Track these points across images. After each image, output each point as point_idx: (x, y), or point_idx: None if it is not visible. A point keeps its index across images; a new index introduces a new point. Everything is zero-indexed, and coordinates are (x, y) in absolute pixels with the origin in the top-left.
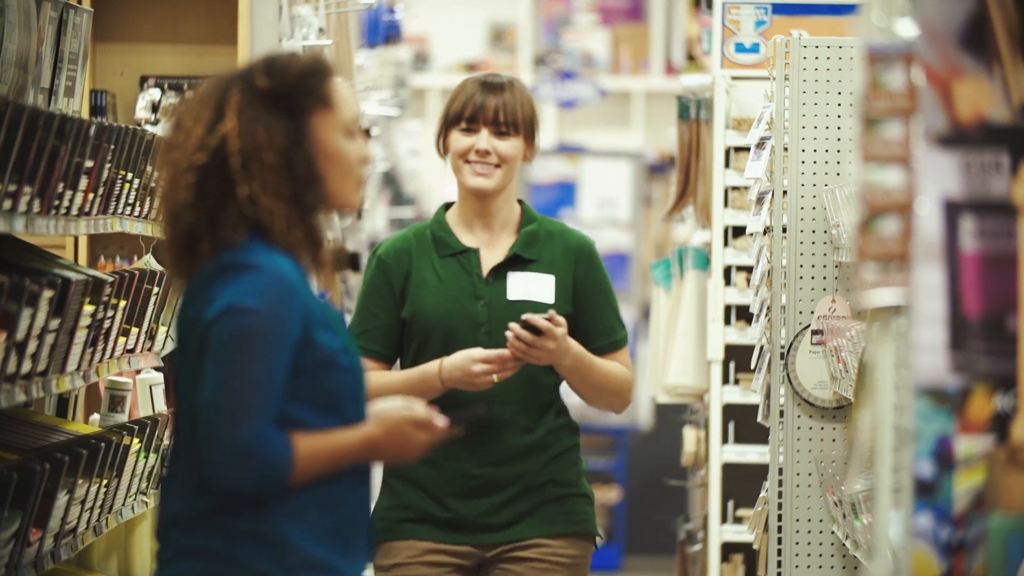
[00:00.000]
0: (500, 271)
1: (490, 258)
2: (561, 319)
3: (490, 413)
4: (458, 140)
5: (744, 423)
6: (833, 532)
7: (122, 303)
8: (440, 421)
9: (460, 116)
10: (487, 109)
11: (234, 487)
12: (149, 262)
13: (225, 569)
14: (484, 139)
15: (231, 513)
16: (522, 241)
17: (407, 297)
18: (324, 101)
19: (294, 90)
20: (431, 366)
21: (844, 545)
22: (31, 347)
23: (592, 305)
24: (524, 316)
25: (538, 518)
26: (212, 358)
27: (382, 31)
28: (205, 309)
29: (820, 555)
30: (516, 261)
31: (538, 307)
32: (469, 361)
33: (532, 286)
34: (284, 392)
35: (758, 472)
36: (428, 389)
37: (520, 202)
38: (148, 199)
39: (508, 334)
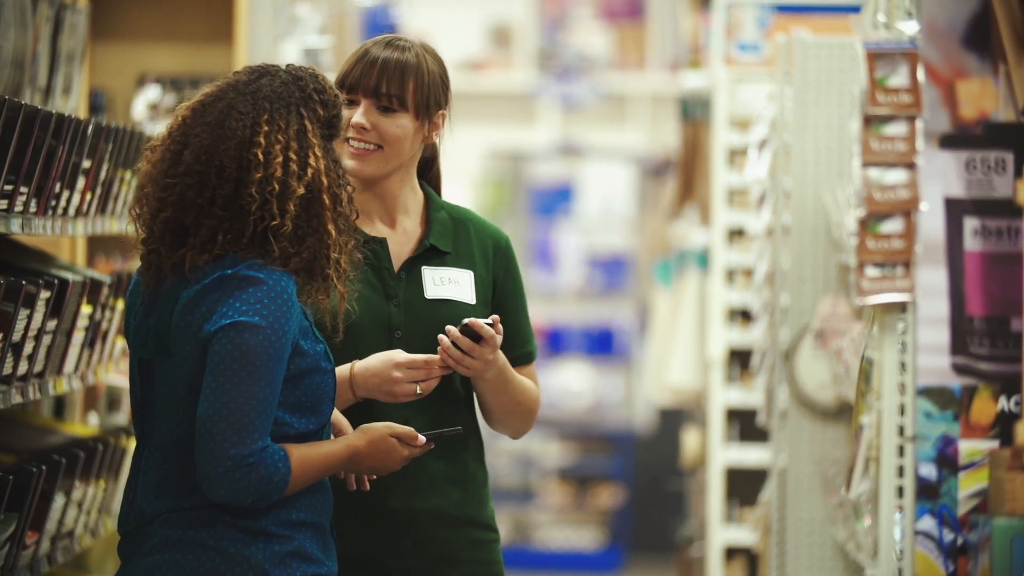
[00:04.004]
0: (413, 265)
1: (400, 250)
2: (501, 327)
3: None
4: (345, 113)
5: (745, 424)
6: (835, 535)
7: (120, 304)
8: (421, 438)
9: (343, 83)
10: (369, 77)
11: (234, 499)
12: None
13: (214, 558)
14: (361, 113)
15: (221, 509)
16: (436, 231)
17: None
18: (341, 130)
19: (336, 119)
20: (342, 370)
21: (846, 548)
22: (28, 348)
23: (509, 309)
24: (467, 320)
25: (461, 568)
26: (215, 372)
27: (382, 29)
28: (205, 321)
29: (822, 557)
30: (431, 253)
31: (459, 307)
32: (389, 366)
33: (450, 283)
34: None
35: (758, 473)
36: (337, 398)
37: (422, 186)
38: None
39: (444, 338)
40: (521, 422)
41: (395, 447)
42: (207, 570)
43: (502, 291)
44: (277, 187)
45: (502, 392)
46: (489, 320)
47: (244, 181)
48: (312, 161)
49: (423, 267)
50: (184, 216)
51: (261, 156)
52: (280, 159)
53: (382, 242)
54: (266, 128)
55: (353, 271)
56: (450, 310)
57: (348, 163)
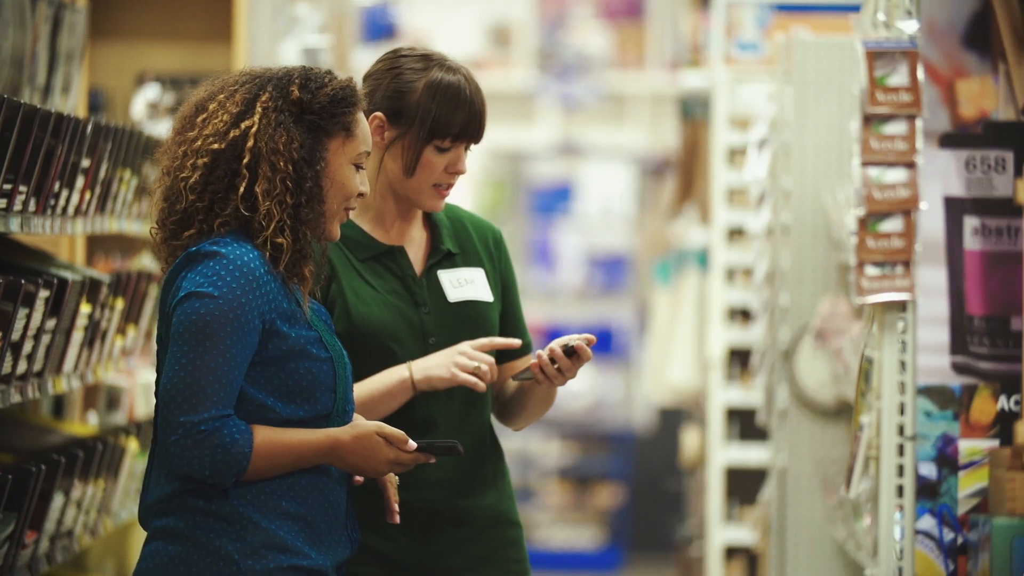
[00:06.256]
0: (430, 270)
1: (415, 256)
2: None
3: (463, 453)
4: (434, 158)
5: (744, 424)
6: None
7: (119, 303)
8: (412, 444)
9: (447, 132)
10: (476, 130)
11: (188, 470)
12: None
13: (188, 548)
14: (463, 160)
15: (196, 494)
16: (445, 233)
17: (334, 310)
18: (347, 129)
19: (323, 110)
20: (399, 368)
21: (846, 547)
22: (27, 347)
23: (511, 302)
24: (574, 344)
25: (496, 567)
26: (172, 343)
27: (381, 28)
28: (172, 298)
29: (822, 557)
30: (442, 255)
31: (481, 307)
32: (457, 347)
33: (467, 284)
34: (251, 380)
35: (758, 473)
36: (393, 394)
37: None
38: (146, 198)
39: (542, 354)
40: (538, 418)
41: (380, 446)
42: (181, 560)
43: (505, 285)
44: (199, 144)
45: (549, 399)
46: (584, 337)
47: (179, 143)
48: (244, 124)
49: (438, 271)
50: (165, 198)
51: (201, 120)
52: (215, 121)
53: (400, 250)
54: (221, 97)
55: (321, 267)
56: (473, 311)
57: (436, 203)
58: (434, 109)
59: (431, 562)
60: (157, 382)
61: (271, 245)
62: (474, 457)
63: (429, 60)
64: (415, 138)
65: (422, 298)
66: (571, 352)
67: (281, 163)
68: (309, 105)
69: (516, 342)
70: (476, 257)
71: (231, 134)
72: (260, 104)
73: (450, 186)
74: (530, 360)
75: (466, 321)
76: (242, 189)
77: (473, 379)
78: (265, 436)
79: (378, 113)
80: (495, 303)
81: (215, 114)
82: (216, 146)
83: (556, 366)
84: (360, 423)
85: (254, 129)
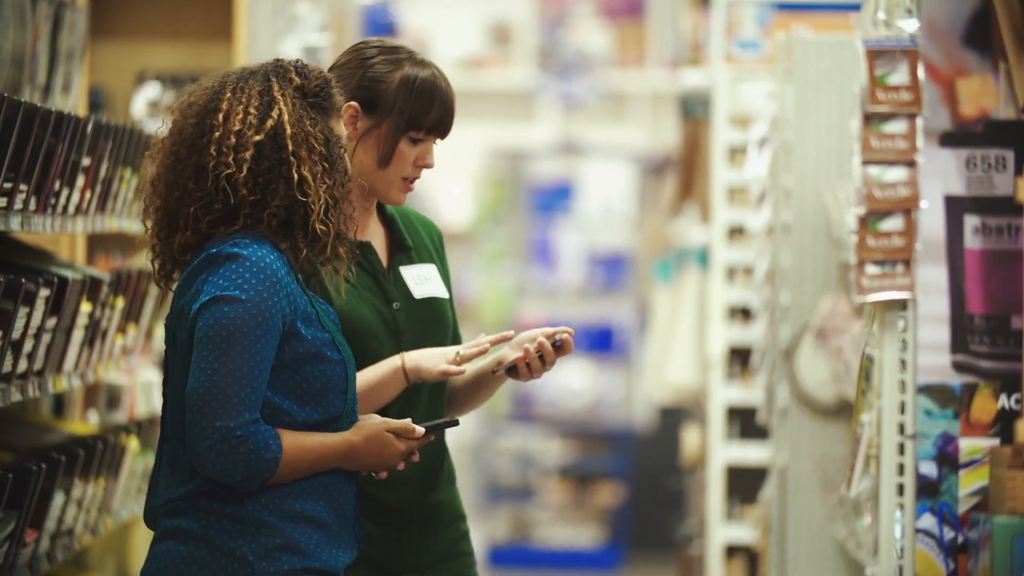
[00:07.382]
0: (393, 266)
1: (379, 251)
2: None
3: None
4: (407, 150)
5: (745, 422)
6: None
7: (120, 302)
8: (419, 429)
9: (421, 124)
10: (448, 122)
11: (221, 475)
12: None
13: (201, 549)
14: (432, 154)
15: (210, 496)
16: (402, 228)
17: None
18: (338, 108)
19: (320, 92)
20: (391, 359)
21: (846, 546)
22: (27, 346)
23: (452, 299)
24: (560, 338)
25: (457, 561)
26: (200, 347)
27: (381, 27)
28: (192, 300)
29: (822, 555)
30: (401, 251)
31: (441, 304)
32: (442, 351)
33: (427, 281)
34: (268, 383)
35: (758, 471)
36: (387, 382)
37: None
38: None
39: (529, 348)
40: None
41: (391, 441)
42: (194, 560)
43: (448, 282)
44: (234, 139)
45: (494, 392)
46: (566, 329)
47: (206, 144)
48: (274, 113)
49: (399, 267)
50: (170, 201)
51: (221, 118)
52: (240, 115)
53: (368, 246)
54: (229, 95)
55: (351, 257)
56: (436, 308)
57: (400, 196)
58: (412, 100)
59: (403, 560)
60: (165, 382)
61: (315, 232)
62: (436, 452)
63: (399, 52)
64: (391, 128)
65: (392, 294)
66: (556, 345)
67: (316, 144)
68: (311, 90)
69: (509, 332)
70: (428, 254)
71: (267, 123)
72: (277, 93)
73: (416, 180)
74: (509, 355)
75: (432, 318)
76: (296, 176)
77: (456, 368)
78: (290, 441)
79: (352, 103)
80: (450, 300)
81: (234, 110)
82: (257, 137)
83: (539, 356)
84: (365, 424)
85: (287, 116)
